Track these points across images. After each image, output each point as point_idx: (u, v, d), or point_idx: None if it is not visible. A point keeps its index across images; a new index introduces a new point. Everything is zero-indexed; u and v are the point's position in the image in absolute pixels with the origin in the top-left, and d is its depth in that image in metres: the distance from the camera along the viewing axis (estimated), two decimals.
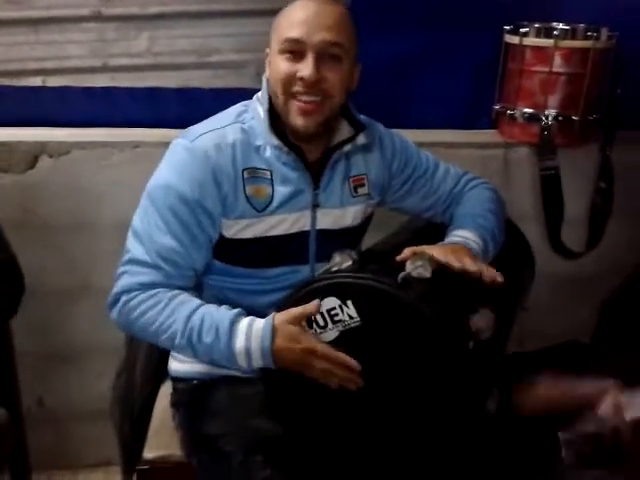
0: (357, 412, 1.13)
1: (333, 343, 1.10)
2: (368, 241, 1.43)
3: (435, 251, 1.15)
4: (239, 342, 1.11)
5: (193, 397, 1.29)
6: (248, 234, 1.23)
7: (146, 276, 1.16)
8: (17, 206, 1.70)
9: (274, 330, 1.10)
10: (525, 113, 1.78)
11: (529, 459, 1.19)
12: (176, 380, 1.34)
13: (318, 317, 1.10)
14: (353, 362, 1.09)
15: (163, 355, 1.37)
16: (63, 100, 1.79)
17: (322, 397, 1.12)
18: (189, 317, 1.14)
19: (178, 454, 1.28)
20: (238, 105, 1.29)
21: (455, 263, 1.13)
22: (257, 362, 1.11)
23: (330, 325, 1.10)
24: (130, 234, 1.21)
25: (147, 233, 1.18)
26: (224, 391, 1.26)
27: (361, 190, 1.33)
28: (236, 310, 1.15)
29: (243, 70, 1.90)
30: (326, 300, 1.09)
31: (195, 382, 1.30)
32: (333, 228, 1.29)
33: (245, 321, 1.13)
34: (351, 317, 1.08)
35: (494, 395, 1.14)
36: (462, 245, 1.22)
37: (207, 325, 1.13)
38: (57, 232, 1.73)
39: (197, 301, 1.16)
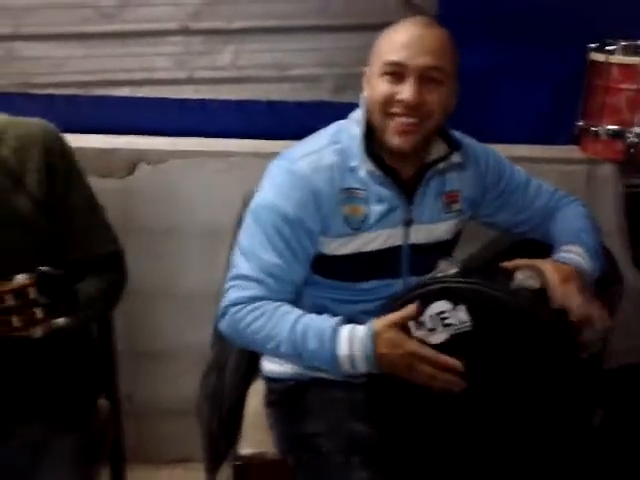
0: (460, 416, 1.14)
1: (441, 346, 1.11)
2: (457, 254, 1.45)
3: (546, 267, 1.17)
4: (342, 349, 1.15)
5: (289, 397, 1.34)
6: (344, 250, 1.27)
7: (251, 290, 1.23)
8: (117, 209, 1.77)
9: (375, 336, 1.13)
10: (609, 130, 1.77)
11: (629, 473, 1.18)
12: (270, 381, 1.38)
13: (427, 320, 1.12)
14: (457, 363, 1.11)
15: (253, 356, 1.42)
16: (161, 110, 1.86)
17: (425, 400, 1.14)
18: (293, 326, 1.19)
19: (272, 451, 1.32)
20: (333, 125, 1.32)
21: (567, 301, 1.14)
22: (361, 368, 1.15)
23: (440, 328, 1.11)
24: (237, 251, 1.28)
25: (252, 250, 1.24)
26: (318, 392, 1.30)
27: (454, 206, 1.34)
28: (337, 318, 1.19)
29: (321, 84, 1.94)
30: (437, 304, 1.11)
31: (290, 383, 1.34)
32: (425, 243, 1.31)
33: (346, 328, 1.17)
34: (462, 321, 1.10)
35: (598, 409, 1.14)
36: (573, 268, 1.22)
37: (311, 333, 1.18)
38: (150, 235, 1.79)
39: (299, 311, 1.22)
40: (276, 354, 1.24)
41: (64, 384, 1.32)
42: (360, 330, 1.15)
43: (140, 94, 1.89)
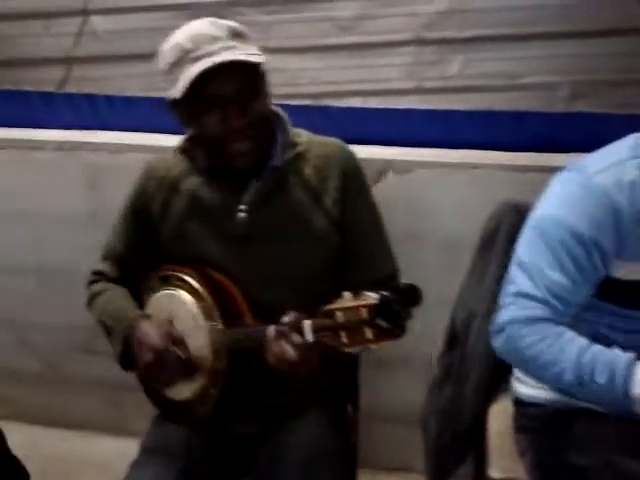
0: None
1: None
2: None
3: None
4: (638, 388, 1.08)
5: (549, 424, 1.26)
6: (637, 276, 1.18)
7: (534, 310, 1.18)
8: None
9: None
10: None
11: None
12: (523, 404, 1.32)
13: None
14: None
15: (497, 373, 1.36)
16: (407, 120, 1.88)
17: None
18: (579, 355, 1.13)
19: (524, 479, 1.26)
20: (630, 137, 1.22)
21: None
22: None
23: None
24: (516, 265, 1.22)
25: (536, 267, 1.18)
26: (586, 423, 1.22)
27: None
28: (631, 354, 1.12)
29: (555, 92, 1.86)
30: None
31: (549, 409, 1.27)
32: None
33: None
34: None
35: None
36: None
37: (600, 366, 1.11)
38: (393, 242, 1.79)
39: (584, 339, 1.16)
40: (555, 381, 1.17)
41: (331, 388, 1.38)
42: None
43: (370, 105, 1.94)
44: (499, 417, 1.37)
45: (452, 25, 1.86)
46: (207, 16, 2.01)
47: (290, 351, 1.11)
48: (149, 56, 2.17)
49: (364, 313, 1.00)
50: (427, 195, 1.78)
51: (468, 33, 1.86)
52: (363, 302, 1.01)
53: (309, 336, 1.09)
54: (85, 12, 2.10)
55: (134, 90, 2.11)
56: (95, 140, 2.02)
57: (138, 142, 2.00)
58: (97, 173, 2.03)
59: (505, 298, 1.21)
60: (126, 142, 2.00)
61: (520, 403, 1.32)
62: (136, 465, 1.35)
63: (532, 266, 1.18)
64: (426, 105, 1.91)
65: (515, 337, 1.18)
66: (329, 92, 1.96)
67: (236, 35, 1.24)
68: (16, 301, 2.23)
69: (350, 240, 1.33)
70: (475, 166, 1.75)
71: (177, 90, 1.22)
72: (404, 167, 1.77)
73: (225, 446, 1.36)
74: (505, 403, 1.36)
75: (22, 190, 2.10)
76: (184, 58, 1.22)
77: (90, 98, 2.12)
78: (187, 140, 1.37)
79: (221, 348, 1.26)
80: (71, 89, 2.17)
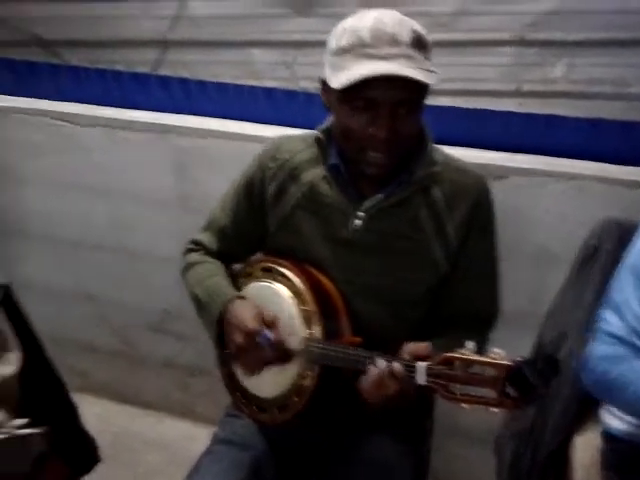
0: None
1: None
2: None
3: None
4: None
5: (637, 463, 1.20)
6: None
7: (619, 349, 1.14)
8: None
9: None
10: None
11: None
12: (615, 440, 1.25)
13: None
14: None
15: (585, 402, 1.30)
16: (505, 123, 1.81)
17: None
18: None
19: None
20: None
21: None
22: None
23: None
24: (609, 300, 1.18)
25: (628, 307, 1.14)
26: None
27: None
28: None
29: None
30: None
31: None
32: None
33: None
34: None
35: None
36: None
37: None
38: None
39: None
40: None
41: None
42: None
43: (464, 105, 1.87)
44: (585, 449, 1.29)
45: (558, 26, 1.77)
46: (301, 7, 2.00)
47: (393, 387, 1.08)
48: (243, 43, 2.20)
49: (492, 372, 0.95)
50: (522, 204, 1.68)
51: (575, 36, 1.77)
52: (493, 360, 0.96)
53: (421, 379, 1.04)
54: None
55: (226, 77, 2.13)
56: (184, 124, 2.03)
57: (226, 129, 2.01)
58: (185, 157, 2.04)
59: (597, 332, 1.17)
60: (215, 128, 2.01)
61: (611, 438, 1.25)
62: (209, 454, 1.34)
63: (623, 305, 1.14)
64: (524, 109, 1.83)
65: (602, 373, 1.15)
66: None
67: (419, 44, 1.17)
68: (98, 277, 2.28)
69: (460, 275, 1.28)
70: (576, 177, 1.64)
71: (338, 80, 1.16)
72: (499, 172, 1.69)
73: (293, 449, 1.34)
74: (592, 435, 1.28)
75: (111, 169, 2.14)
76: (357, 50, 1.15)
77: (183, 82, 2.14)
78: (324, 131, 1.31)
79: (314, 359, 1.23)
80: (164, 72, 2.20)
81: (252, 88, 2.10)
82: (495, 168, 1.69)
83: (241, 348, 1.25)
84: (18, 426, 0.90)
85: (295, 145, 1.35)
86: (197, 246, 1.43)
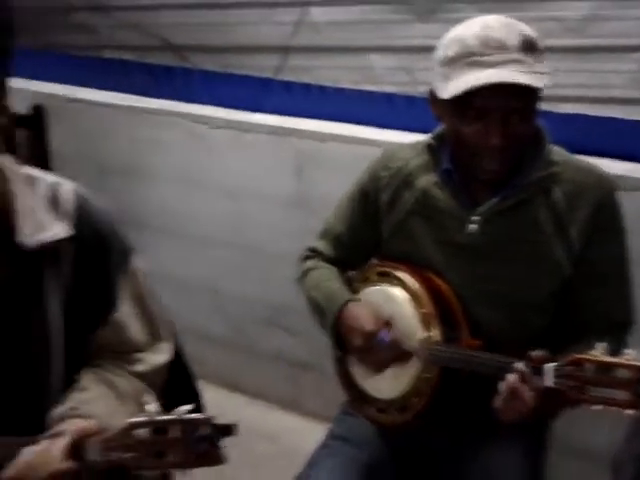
0: None
1: None
2: None
3: None
4: None
5: None
6: None
7: None
8: None
9: None
10: None
11: None
12: None
13: None
14: None
15: None
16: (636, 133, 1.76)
17: None
18: None
19: None
20: None
21: None
22: None
23: None
24: None
25: None
26: None
27: None
28: None
29: None
30: None
31: None
32: None
33: None
34: None
35: None
36: None
37: None
38: None
39: None
40: None
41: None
42: None
43: (590, 112, 1.83)
44: None
45: None
46: (422, 13, 1.99)
47: (528, 401, 1.07)
48: (362, 49, 2.24)
49: (625, 374, 0.94)
50: None
51: None
52: (626, 362, 0.94)
53: (549, 381, 1.03)
54: (305, 3, 2.19)
55: (345, 82, 2.17)
56: (305, 127, 2.10)
57: (345, 133, 2.06)
58: (304, 160, 2.11)
59: None
60: (334, 132, 2.06)
61: None
62: (324, 449, 1.37)
63: None
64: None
65: None
66: (548, 96, 1.88)
67: (529, 47, 1.14)
68: (219, 271, 2.40)
69: (586, 279, 1.24)
70: None
71: (446, 91, 1.15)
72: (634, 185, 1.63)
73: (414, 453, 1.35)
74: None
75: (234, 169, 2.24)
76: (465, 58, 1.13)
77: (305, 86, 2.21)
78: (435, 137, 1.32)
79: (434, 361, 1.23)
80: (284, 77, 2.27)
81: (371, 93, 2.14)
82: (629, 180, 1.63)
83: (360, 349, 1.29)
84: (186, 411, 0.91)
85: (406, 153, 1.35)
86: (313, 253, 1.47)
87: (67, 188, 1.05)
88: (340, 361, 1.41)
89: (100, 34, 2.64)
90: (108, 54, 2.60)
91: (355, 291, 1.39)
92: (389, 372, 1.30)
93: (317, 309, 1.39)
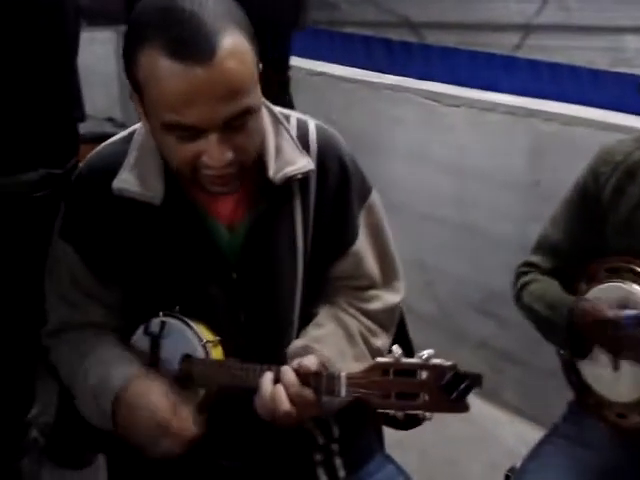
0: None
1: None
2: None
3: None
4: None
5: None
6: None
7: None
8: None
9: None
10: None
11: None
12: None
13: None
14: None
15: None
16: None
17: None
18: None
19: None
20: None
21: None
22: None
23: None
24: None
25: None
26: None
27: None
28: None
29: None
30: None
31: None
32: None
33: None
34: None
35: None
36: None
37: None
38: None
39: None
40: None
41: None
42: None
43: None
44: None
45: None
46: None
47: None
48: (614, 29, 2.09)
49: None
50: None
51: None
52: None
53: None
54: None
55: (594, 64, 2.05)
56: (547, 109, 2.01)
57: (590, 117, 1.94)
58: (544, 142, 2.02)
59: None
60: (579, 115, 1.96)
61: None
62: (549, 445, 1.32)
63: None
64: None
65: None
66: None
67: None
68: (430, 246, 2.38)
69: None
70: None
71: None
72: None
73: None
74: None
75: (466, 147, 2.21)
76: None
77: (551, 66, 2.12)
78: None
79: None
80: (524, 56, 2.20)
81: (622, 76, 2.00)
82: None
83: (613, 340, 1.21)
84: (429, 357, 0.91)
85: (627, 146, 1.29)
86: (529, 267, 1.41)
87: (312, 125, 1.10)
88: (569, 364, 1.34)
89: (341, 10, 2.72)
90: (348, 29, 2.68)
91: (579, 292, 1.31)
92: (628, 373, 1.21)
93: (541, 320, 1.34)
